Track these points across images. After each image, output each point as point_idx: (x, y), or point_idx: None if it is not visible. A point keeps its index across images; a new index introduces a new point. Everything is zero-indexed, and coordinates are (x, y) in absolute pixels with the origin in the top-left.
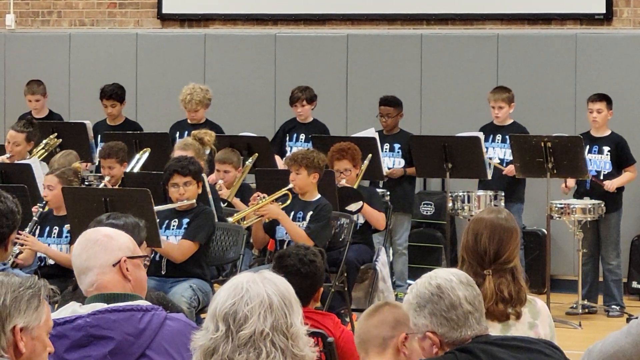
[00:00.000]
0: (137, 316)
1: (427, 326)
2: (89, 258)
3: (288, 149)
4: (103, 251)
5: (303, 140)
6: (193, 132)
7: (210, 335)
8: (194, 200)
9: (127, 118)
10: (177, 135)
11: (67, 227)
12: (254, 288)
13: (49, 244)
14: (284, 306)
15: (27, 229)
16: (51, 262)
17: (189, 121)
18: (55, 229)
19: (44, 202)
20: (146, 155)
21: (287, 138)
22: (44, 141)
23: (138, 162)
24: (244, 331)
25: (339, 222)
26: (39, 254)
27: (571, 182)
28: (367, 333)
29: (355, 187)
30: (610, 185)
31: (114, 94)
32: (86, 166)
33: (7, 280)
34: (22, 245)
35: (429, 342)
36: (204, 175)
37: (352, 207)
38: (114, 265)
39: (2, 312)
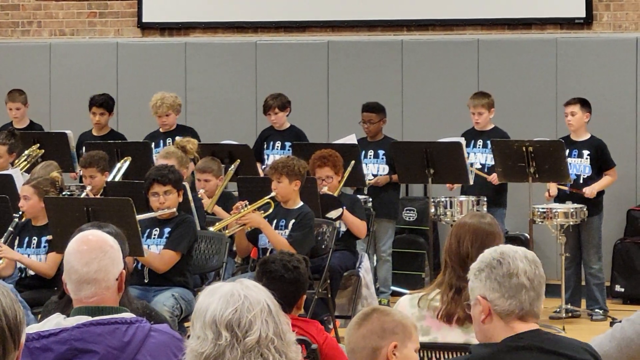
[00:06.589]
0: (121, 329)
1: (480, 289)
2: (100, 270)
3: (265, 156)
4: (112, 264)
5: (279, 148)
6: (176, 139)
7: (213, 344)
8: (175, 209)
9: (113, 129)
10: (153, 146)
11: (45, 237)
12: (252, 295)
13: (28, 255)
14: (278, 312)
15: (2, 239)
16: (32, 272)
17: (161, 130)
18: (34, 239)
19: (20, 212)
20: (127, 164)
21: (265, 146)
22: (26, 152)
23: (119, 171)
24: (251, 337)
25: (321, 229)
26: (19, 265)
27: (554, 189)
28: (356, 344)
29: (336, 194)
30: (590, 192)
31: (104, 102)
32: (75, 176)
33: None
34: None
35: (479, 308)
36: (185, 183)
37: (332, 214)
38: (116, 280)
39: None
